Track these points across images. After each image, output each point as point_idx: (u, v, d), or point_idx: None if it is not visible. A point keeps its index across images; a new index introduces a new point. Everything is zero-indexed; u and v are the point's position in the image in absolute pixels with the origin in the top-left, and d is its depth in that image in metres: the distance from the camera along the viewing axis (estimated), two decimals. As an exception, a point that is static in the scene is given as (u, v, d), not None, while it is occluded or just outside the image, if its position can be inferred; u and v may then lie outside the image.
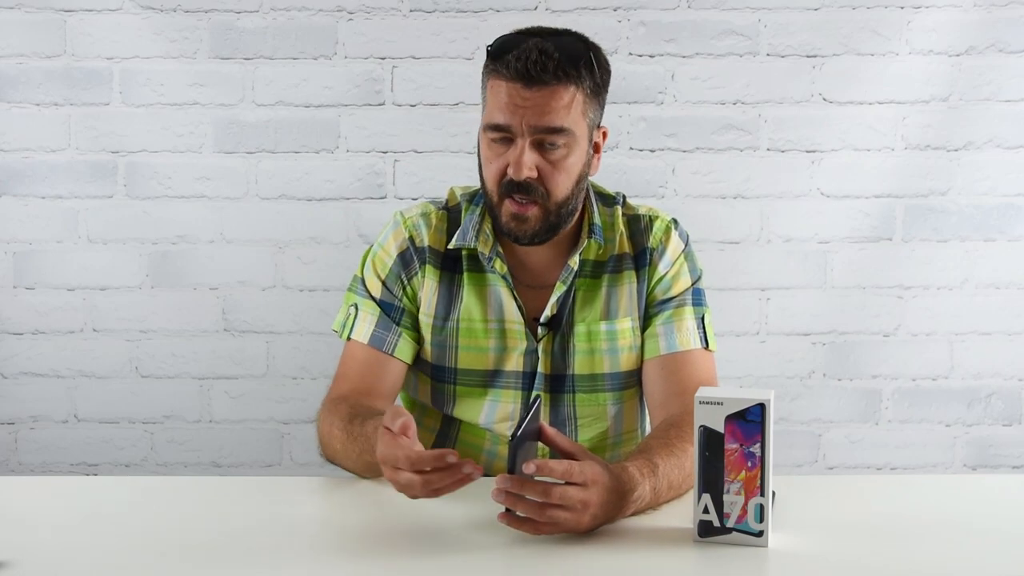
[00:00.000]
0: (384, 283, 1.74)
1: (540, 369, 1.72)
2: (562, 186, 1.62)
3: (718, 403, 1.32)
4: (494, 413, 1.73)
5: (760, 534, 1.33)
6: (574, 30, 1.66)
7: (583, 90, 1.61)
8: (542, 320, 1.71)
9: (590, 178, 1.74)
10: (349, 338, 1.73)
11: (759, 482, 1.32)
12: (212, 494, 1.59)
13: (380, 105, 2.61)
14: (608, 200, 1.78)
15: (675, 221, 1.78)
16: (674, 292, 1.73)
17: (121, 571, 1.27)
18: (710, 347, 1.73)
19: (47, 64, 2.60)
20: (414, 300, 1.74)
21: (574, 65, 1.59)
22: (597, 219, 1.73)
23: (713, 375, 1.72)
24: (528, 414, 1.34)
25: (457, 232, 1.73)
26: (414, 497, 1.36)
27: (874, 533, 1.39)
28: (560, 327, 1.72)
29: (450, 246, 1.73)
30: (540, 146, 1.60)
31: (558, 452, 1.41)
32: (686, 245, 1.77)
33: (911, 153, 2.60)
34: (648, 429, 1.80)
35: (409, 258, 1.74)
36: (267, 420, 2.67)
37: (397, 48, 2.60)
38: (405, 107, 2.61)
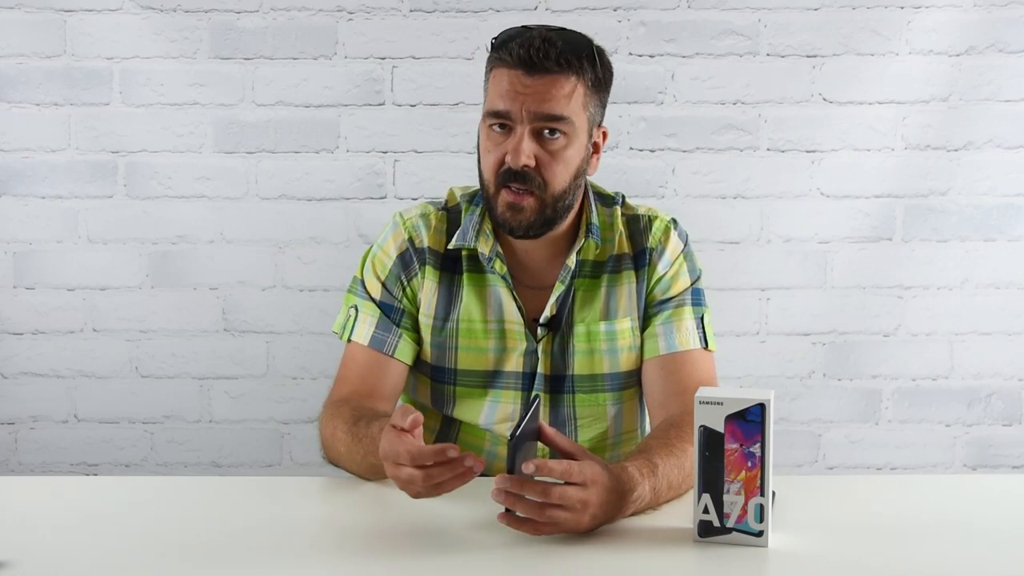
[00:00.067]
0: (384, 284, 1.74)
1: (540, 369, 1.72)
2: (559, 177, 1.62)
3: (718, 403, 1.32)
4: (494, 414, 1.73)
5: (760, 534, 1.33)
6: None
7: (584, 82, 1.61)
8: (541, 320, 1.71)
9: (589, 178, 1.74)
10: (349, 340, 1.73)
11: (759, 482, 1.32)
12: (212, 494, 1.58)
13: (380, 105, 2.61)
14: (607, 200, 1.78)
15: (674, 221, 1.78)
16: (673, 292, 1.73)
17: (121, 571, 1.27)
18: (710, 347, 1.73)
19: (47, 64, 2.60)
20: (414, 301, 1.74)
21: (576, 56, 1.60)
22: (595, 218, 1.73)
23: (713, 375, 1.72)
24: (527, 414, 1.34)
25: (457, 232, 1.73)
26: (416, 495, 1.36)
27: (874, 533, 1.39)
28: (560, 327, 1.72)
29: (450, 246, 1.73)
30: (539, 136, 1.60)
31: (558, 452, 1.41)
32: (685, 245, 1.77)
33: (911, 153, 2.60)
34: (648, 429, 1.80)
35: (409, 259, 1.74)
36: (267, 420, 2.67)
37: (397, 48, 2.60)
38: (405, 107, 2.61)
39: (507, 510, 1.32)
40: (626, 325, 1.73)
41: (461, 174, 2.43)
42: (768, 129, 2.61)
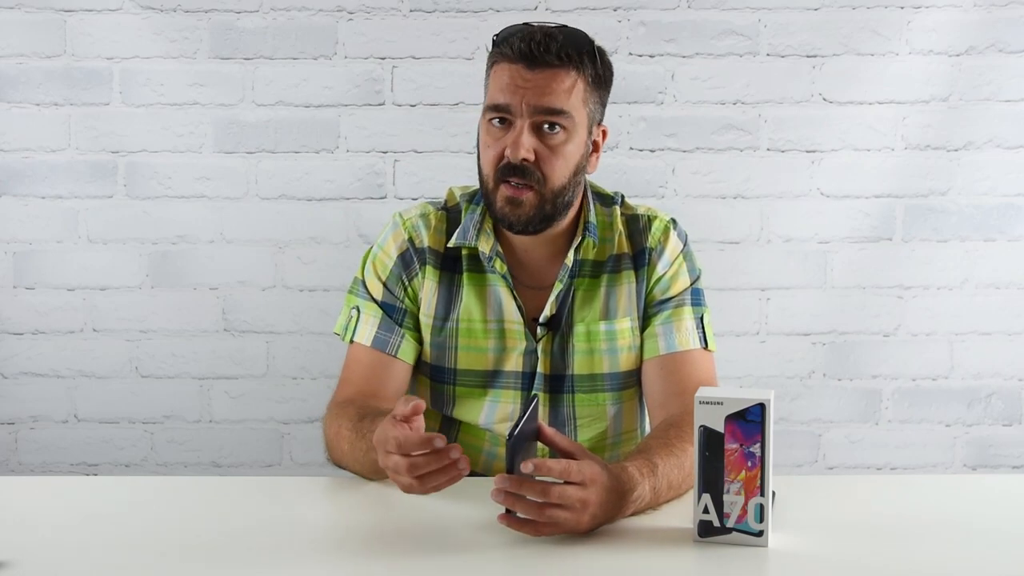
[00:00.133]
0: (385, 285, 1.74)
1: (539, 369, 1.72)
2: (559, 172, 1.62)
3: (718, 403, 1.32)
4: (494, 413, 1.73)
5: (760, 534, 1.33)
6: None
7: (584, 78, 1.62)
8: (541, 320, 1.71)
9: (588, 177, 1.74)
10: (352, 341, 1.73)
11: (759, 482, 1.32)
12: (212, 494, 1.58)
13: (380, 105, 2.61)
14: (606, 200, 1.78)
15: (674, 221, 1.78)
16: (673, 292, 1.73)
17: (121, 571, 1.27)
18: (709, 347, 1.73)
19: (47, 64, 2.60)
20: (415, 301, 1.74)
21: (577, 51, 1.61)
22: (593, 217, 1.73)
23: (713, 375, 1.72)
24: (525, 413, 1.34)
25: (457, 230, 1.73)
26: (407, 489, 1.36)
27: (874, 533, 1.39)
28: (559, 327, 1.72)
29: (450, 244, 1.73)
30: (539, 130, 1.61)
31: (557, 452, 1.41)
32: (685, 245, 1.77)
33: (911, 153, 2.60)
34: (648, 429, 1.80)
35: (409, 259, 1.74)
36: (267, 420, 2.67)
37: (397, 48, 2.60)
38: (405, 107, 2.61)
39: (508, 511, 1.32)
40: (626, 325, 1.73)
41: (461, 174, 2.43)
42: (768, 129, 2.61)
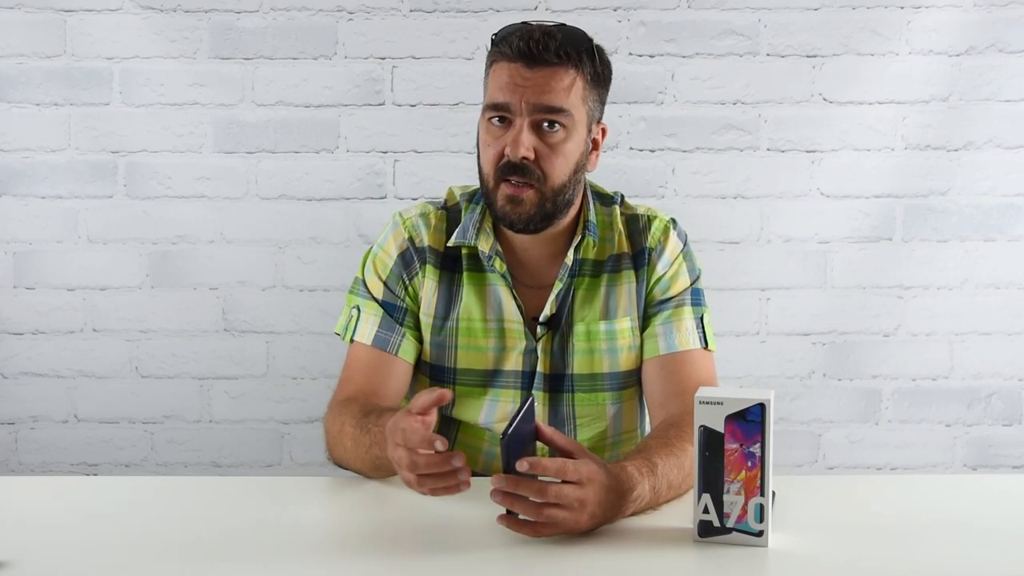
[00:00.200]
0: (386, 284, 1.74)
1: (539, 368, 1.72)
2: (559, 170, 1.62)
3: (718, 403, 1.32)
4: (493, 413, 1.73)
5: (760, 534, 1.33)
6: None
7: (583, 76, 1.62)
8: (541, 319, 1.71)
9: (588, 176, 1.74)
10: (352, 340, 1.73)
11: (759, 482, 1.32)
12: (212, 494, 1.59)
13: (380, 105, 2.61)
14: (606, 200, 1.78)
15: (673, 221, 1.78)
16: (673, 292, 1.73)
17: (121, 571, 1.27)
18: (709, 347, 1.73)
19: (47, 64, 2.60)
20: (415, 300, 1.74)
21: (576, 49, 1.61)
22: (592, 216, 1.73)
23: (713, 375, 1.72)
24: (520, 412, 1.33)
25: (457, 230, 1.73)
26: (408, 485, 1.36)
27: (874, 533, 1.39)
28: (559, 327, 1.72)
29: (450, 244, 1.73)
30: (539, 128, 1.61)
31: (556, 451, 1.41)
32: (685, 245, 1.77)
33: (911, 153, 2.60)
34: (648, 429, 1.80)
35: (410, 258, 1.74)
36: (267, 420, 2.67)
37: (397, 48, 2.60)
38: (405, 107, 2.61)
39: (508, 512, 1.32)
40: (626, 325, 1.73)
41: (461, 174, 2.43)
42: (768, 129, 2.61)
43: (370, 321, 1.72)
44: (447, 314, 1.73)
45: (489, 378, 1.72)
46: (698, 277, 1.77)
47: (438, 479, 1.34)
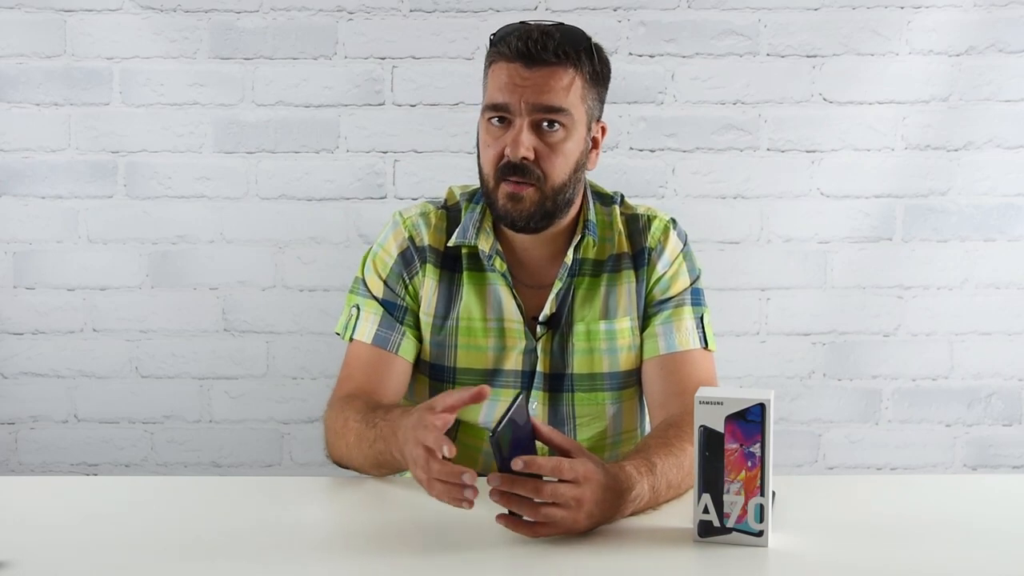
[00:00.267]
0: (386, 283, 1.74)
1: (539, 368, 1.72)
2: (559, 170, 1.62)
3: (718, 403, 1.32)
4: (493, 413, 1.72)
5: (760, 534, 1.33)
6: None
7: (583, 75, 1.62)
8: (541, 319, 1.71)
9: (588, 175, 1.74)
10: (352, 339, 1.73)
11: (759, 482, 1.32)
12: (212, 494, 1.59)
13: (380, 105, 2.61)
14: (606, 199, 1.78)
15: (673, 221, 1.78)
16: (673, 292, 1.73)
17: (121, 571, 1.27)
18: (709, 347, 1.73)
19: (47, 64, 2.60)
20: (416, 299, 1.74)
21: (574, 48, 1.61)
22: (592, 216, 1.73)
23: (713, 375, 1.72)
24: (509, 409, 1.32)
25: (457, 229, 1.73)
26: (418, 480, 1.37)
27: (874, 533, 1.39)
28: (559, 326, 1.72)
29: (450, 243, 1.73)
30: (538, 128, 1.61)
31: (555, 449, 1.41)
32: (684, 245, 1.77)
33: (911, 153, 2.60)
34: (648, 429, 1.80)
35: (410, 257, 1.74)
36: (267, 420, 2.67)
37: (397, 48, 2.60)
38: (405, 107, 2.61)
39: (510, 512, 1.32)
40: (625, 324, 1.73)
41: (461, 174, 2.43)
42: (768, 129, 2.61)
43: (370, 320, 1.72)
44: (447, 313, 1.73)
45: (489, 378, 1.72)
46: (698, 277, 1.77)
47: (444, 486, 1.34)
